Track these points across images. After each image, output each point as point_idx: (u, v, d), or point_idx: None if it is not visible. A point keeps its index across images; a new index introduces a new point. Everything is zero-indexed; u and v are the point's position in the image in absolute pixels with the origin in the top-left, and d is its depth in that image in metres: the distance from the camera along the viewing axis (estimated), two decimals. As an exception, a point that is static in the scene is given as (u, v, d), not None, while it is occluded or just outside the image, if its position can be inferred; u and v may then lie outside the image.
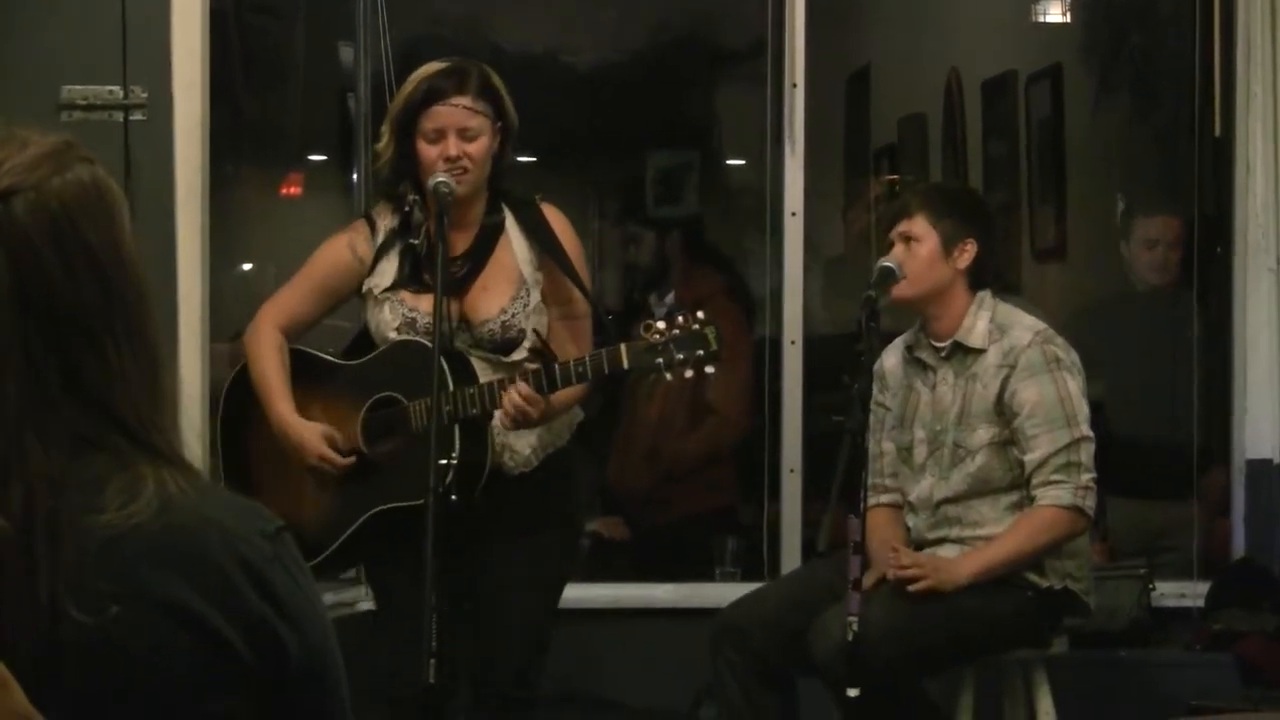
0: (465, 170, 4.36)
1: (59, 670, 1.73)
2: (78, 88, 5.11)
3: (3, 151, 1.80)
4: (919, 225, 4.88)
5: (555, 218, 4.55)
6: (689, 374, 4.19)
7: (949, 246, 4.88)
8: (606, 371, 4.22)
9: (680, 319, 4.16)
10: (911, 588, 4.65)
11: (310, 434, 4.45)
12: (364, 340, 4.61)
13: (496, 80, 4.47)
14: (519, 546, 4.47)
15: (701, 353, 4.16)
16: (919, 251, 4.86)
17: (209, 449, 4.66)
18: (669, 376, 4.19)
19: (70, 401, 1.78)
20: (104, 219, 1.83)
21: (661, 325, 4.16)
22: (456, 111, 4.37)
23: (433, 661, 3.99)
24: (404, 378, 4.41)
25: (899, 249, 4.88)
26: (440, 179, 4.32)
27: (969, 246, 4.90)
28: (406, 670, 4.20)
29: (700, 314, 4.18)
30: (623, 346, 4.19)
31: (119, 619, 1.75)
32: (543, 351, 4.28)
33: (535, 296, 4.47)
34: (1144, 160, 7.41)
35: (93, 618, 1.73)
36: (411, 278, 4.46)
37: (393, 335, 4.45)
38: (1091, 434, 4.80)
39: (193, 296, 5.19)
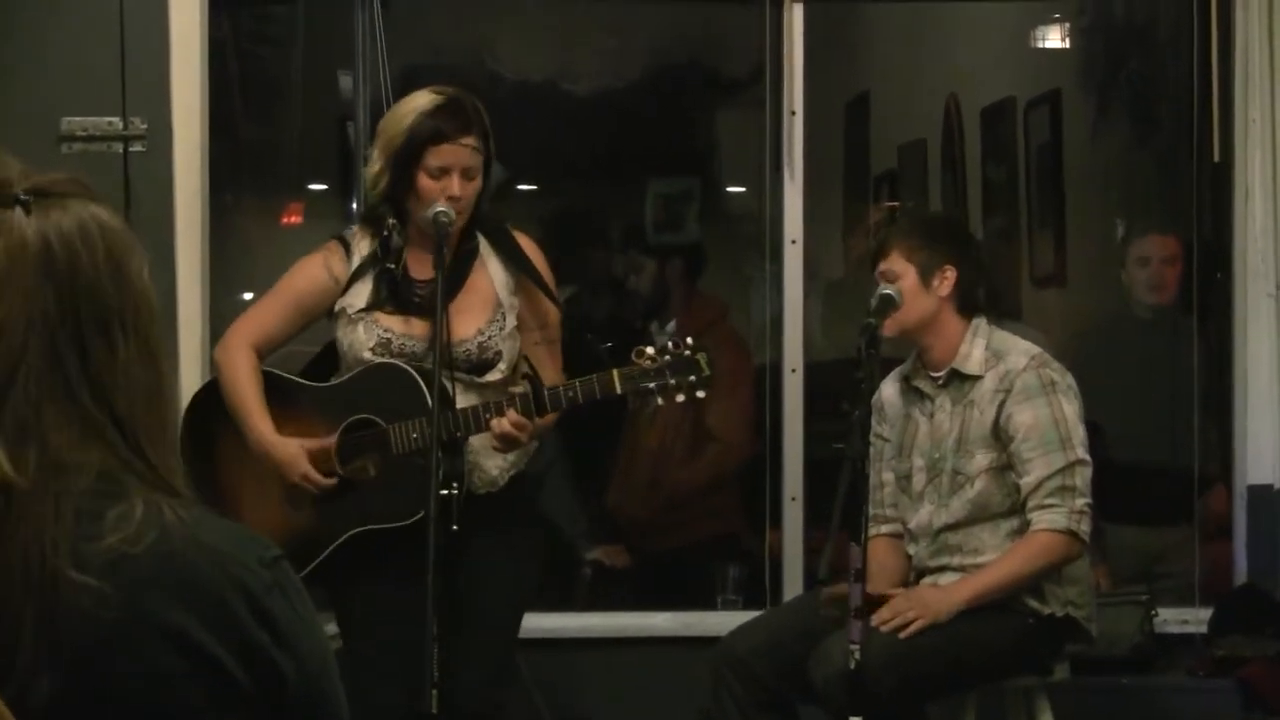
0: (461, 210, 4.40)
1: (57, 674, 1.74)
2: (77, 119, 5.13)
3: (34, 170, 1.88)
4: (895, 262, 4.90)
5: (526, 244, 4.60)
6: (680, 399, 4.22)
7: (927, 277, 4.89)
8: (598, 396, 4.24)
9: (671, 345, 4.20)
10: (904, 634, 4.64)
11: (293, 452, 4.44)
12: (326, 360, 4.61)
13: (486, 115, 4.51)
14: (483, 568, 4.47)
15: (694, 378, 4.20)
16: (900, 288, 4.87)
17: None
18: (660, 401, 4.22)
19: (82, 382, 1.82)
20: (125, 243, 1.88)
21: (653, 351, 4.20)
22: (464, 151, 4.41)
23: (434, 692, 3.98)
24: (380, 400, 4.42)
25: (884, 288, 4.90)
26: (440, 208, 4.34)
27: (948, 273, 4.90)
28: (375, 701, 4.21)
29: (690, 340, 4.22)
30: (615, 372, 4.22)
31: (117, 643, 1.76)
32: (532, 377, 4.30)
33: (511, 320, 4.50)
34: (1143, 186, 7.41)
35: (94, 575, 1.75)
36: (387, 300, 4.47)
37: (368, 355, 4.46)
38: (1088, 458, 4.80)
39: (193, 325, 5.20)
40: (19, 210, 1.83)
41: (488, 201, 4.61)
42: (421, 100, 4.47)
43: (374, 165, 4.49)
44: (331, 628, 5.22)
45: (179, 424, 1.95)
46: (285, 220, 6.91)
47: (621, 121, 7.57)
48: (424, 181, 4.40)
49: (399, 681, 4.15)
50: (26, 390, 1.79)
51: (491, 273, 4.53)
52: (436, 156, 4.40)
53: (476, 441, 4.40)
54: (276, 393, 4.55)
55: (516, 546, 4.58)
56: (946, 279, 4.90)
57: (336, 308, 4.52)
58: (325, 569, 4.48)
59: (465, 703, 4.44)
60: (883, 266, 4.92)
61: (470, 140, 4.41)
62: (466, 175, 4.41)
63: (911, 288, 4.87)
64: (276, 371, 4.61)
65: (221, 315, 5.52)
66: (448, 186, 4.38)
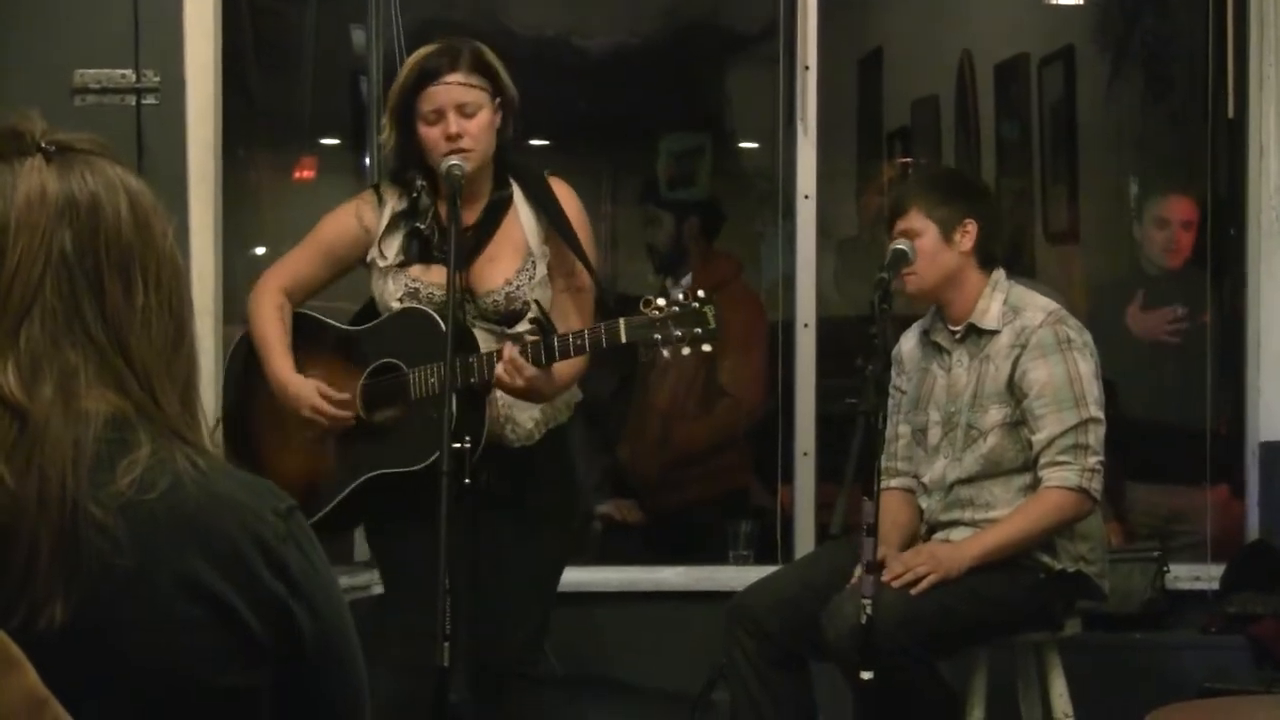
0: (467, 149, 4.36)
1: (70, 603, 1.75)
2: (90, 71, 5.12)
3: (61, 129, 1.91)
4: (915, 219, 4.88)
5: (563, 192, 4.55)
6: (686, 352, 4.17)
7: (949, 232, 4.88)
8: (604, 345, 4.21)
9: (680, 296, 4.16)
10: (915, 590, 4.65)
11: (305, 387, 4.47)
12: (370, 311, 4.62)
13: (490, 55, 4.47)
14: (520, 520, 4.48)
15: (699, 330, 4.14)
16: (921, 245, 4.86)
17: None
18: (666, 354, 4.17)
19: (98, 322, 1.84)
20: (151, 205, 1.91)
21: (661, 302, 4.15)
22: (452, 89, 4.38)
23: (445, 644, 3.99)
24: (405, 345, 4.42)
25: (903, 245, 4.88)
26: (453, 162, 4.32)
27: (969, 227, 4.89)
28: (414, 644, 4.21)
29: (700, 292, 4.18)
30: (621, 321, 4.18)
31: (131, 588, 1.77)
32: (543, 323, 4.28)
33: (541, 269, 4.47)
34: (1157, 142, 7.40)
35: (109, 518, 1.76)
36: (417, 255, 4.47)
37: (396, 305, 4.47)
38: (1101, 416, 4.79)
39: (206, 280, 5.20)
40: (39, 158, 1.85)
41: (512, 145, 4.56)
42: (415, 54, 4.48)
43: (384, 130, 4.50)
44: (346, 580, 5.24)
45: (197, 381, 1.95)
46: (298, 175, 6.91)
47: (634, 77, 7.56)
48: (423, 130, 4.39)
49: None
50: (43, 324, 1.81)
51: (523, 220, 4.51)
52: (427, 100, 4.39)
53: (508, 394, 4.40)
54: (307, 333, 4.59)
55: (549, 504, 4.58)
56: (968, 233, 4.89)
57: (369, 258, 4.54)
58: (359, 510, 4.52)
59: (500, 660, 4.45)
60: (901, 225, 4.90)
61: (457, 77, 4.38)
62: (463, 113, 4.37)
63: (933, 244, 4.86)
64: (310, 313, 4.64)
65: (234, 269, 5.53)
66: (445, 128, 4.36)
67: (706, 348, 4.18)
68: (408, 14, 6.09)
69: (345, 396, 4.48)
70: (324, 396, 4.45)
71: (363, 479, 4.45)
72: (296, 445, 4.53)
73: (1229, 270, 6.40)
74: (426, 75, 4.39)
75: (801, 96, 6.07)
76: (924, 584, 4.66)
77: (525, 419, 4.46)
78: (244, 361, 4.65)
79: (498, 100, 4.43)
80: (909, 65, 7.88)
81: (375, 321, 4.54)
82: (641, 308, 4.17)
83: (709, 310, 4.14)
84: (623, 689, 5.89)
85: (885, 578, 4.59)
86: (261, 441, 4.60)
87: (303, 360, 4.54)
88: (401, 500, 4.37)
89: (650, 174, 7.38)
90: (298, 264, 4.62)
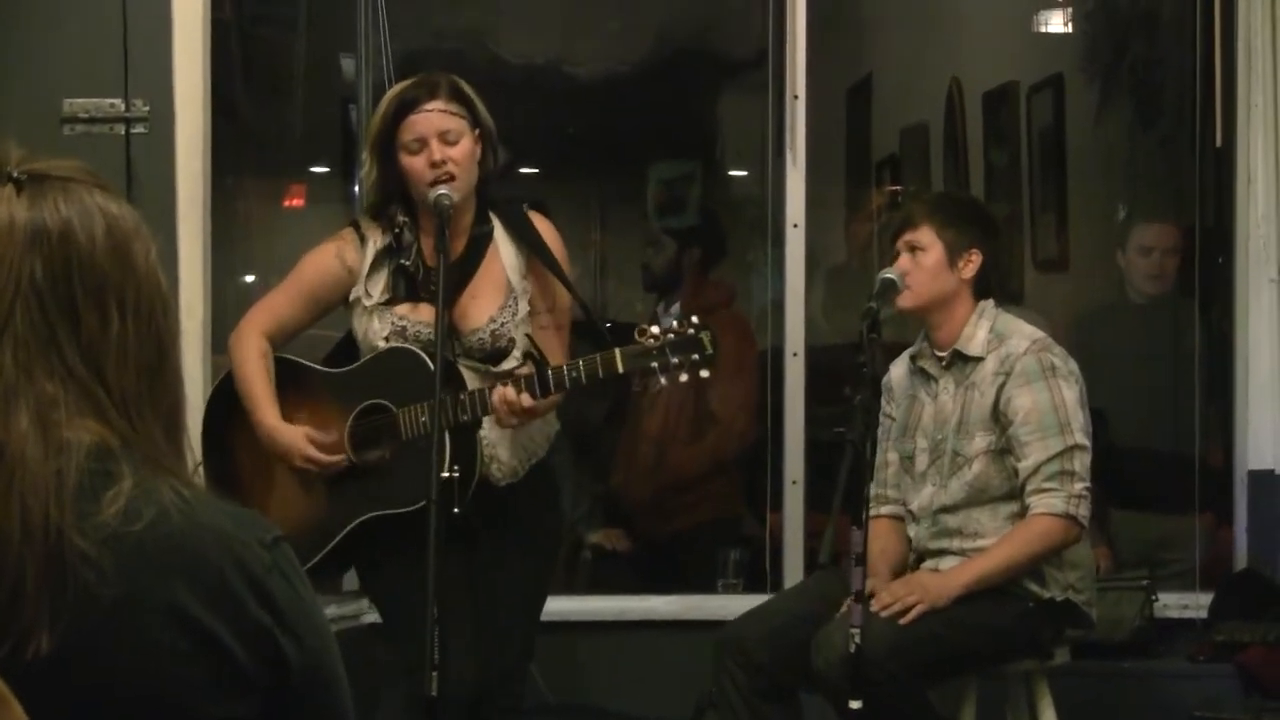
0: (452, 176, 4.36)
1: (56, 634, 1.75)
2: (79, 101, 5.13)
3: (40, 157, 1.91)
4: (924, 235, 4.88)
5: (543, 225, 4.56)
6: (684, 378, 4.17)
7: (954, 257, 4.88)
8: (601, 376, 4.21)
9: (675, 324, 4.16)
10: (904, 620, 4.64)
11: (295, 436, 4.43)
12: (348, 347, 4.61)
13: (466, 87, 4.47)
14: (507, 555, 4.47)
15: (697, 356, 4.14)
16: (924, 261, 4.87)
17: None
18: (664, 381, 4.17)
19: (74, 350, 1.83)
20: (129, 227, 1.91)
21: (656, 330, 4.15)
22: (433, 116, 4.38)
23: (434, 674, 3.98)
24: (391, 385, 4.40)
25: (904, 259, 4.88)
26: (441, 191, 4.31)
27: (974, 257, 4.90)
28: (419, 677, 4.20)
29: (695, 318, 4.18)
30: (617, 351, 4.17)
31: (118, 618, 1.77)
32: (535, 356, 4.28)
33: (524, 306, 4.47)
34: (1145, 170, 7.40)
35: (94, 548, 1.76)
36: (404, 293, 4.45)
37: (382, 344, 4.44)
38: (1087, 443, 4.79)
39: (195, 309, 5.20)
40: (9, 188, 1.85)
41: (495, 180, 4.57)
42: (392, 89, 4.49)
43: (364, 165, 4.50)
44: (335, 610, 5.23)
45: (182, 407, 1.95)
46: (287, 203, 6.92)
47: (624, 105, 7.57)
48: (406, 161, 4.38)
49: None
50: (15, 354, 1.81)
51: (504, 256, 4.50)
52: (408, 130, 4.38)
53: (494, 433, 4.39)
54: (291, 379, 4.54)
55: (536, 539, 4.58)
56: (971, 262, 4.90)
57: (352, 297, 4.50)
58: (351, 551, 4.49)
59: (482, 693, 4.44)
60: (909, 237, 4.90)
61: (437, 104, 4.38)
62: (445, 140, 4.36)
63: (936, 264, 4.86)
64: (291, 357, 4.60)
65: (223, 298, 5.52)
66: (429, 155, 4.35)
67: (704, 373, 4.18)
68: (397, 42, 6.10)
69: (334, 439, 4.44)
70: (313, 442, 4.43)
71: (355, 524, 4.43)
72: (283, 491, 4.49)
73: (1217, 298, 6.41)
74: (406, 105, 4.39)
75: (790, 125, 6.08)
76: (912, 614, 4.65)
77: (509, 457, 4.45)
78: (225, 407, 4.58)
79: (477, 131, 4.43)
80: (898, 93, 7.90)
81: (359, 362, 4.50)
82: (637, 336, 4.17)
83: (705, 336, 4.15)
84: (612, 717, 5.88)
85: (874, 608, 4.59)
86: (246, 487, 4.54)
87: (288, 406, 4.50)
88: (395, 538, 4.36)
89: (637, 201, 7.39)
90: (279, 307, 4.57)
